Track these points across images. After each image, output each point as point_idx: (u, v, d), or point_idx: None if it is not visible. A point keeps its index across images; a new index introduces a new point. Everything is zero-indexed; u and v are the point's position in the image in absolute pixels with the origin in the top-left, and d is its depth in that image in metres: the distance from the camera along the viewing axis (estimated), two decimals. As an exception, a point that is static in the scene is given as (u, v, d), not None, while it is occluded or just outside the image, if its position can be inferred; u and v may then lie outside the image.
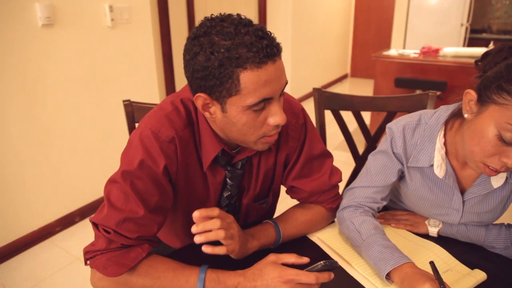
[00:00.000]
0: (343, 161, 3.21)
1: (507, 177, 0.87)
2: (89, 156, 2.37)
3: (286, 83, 0.76)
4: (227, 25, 0.68)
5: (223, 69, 0.68)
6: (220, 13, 0.73)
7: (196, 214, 0.73)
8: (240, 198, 0.97)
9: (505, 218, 1.00)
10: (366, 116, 3.58)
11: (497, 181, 0.87)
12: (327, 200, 1.00)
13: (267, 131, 0.78)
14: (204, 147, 0.84)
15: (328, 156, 1.01)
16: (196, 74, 0.71)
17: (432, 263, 0.75)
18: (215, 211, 0.75)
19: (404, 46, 5.14)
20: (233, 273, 0.75)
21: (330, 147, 3.52)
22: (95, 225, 0.78)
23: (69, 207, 2.33)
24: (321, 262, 0.69)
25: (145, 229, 0.78)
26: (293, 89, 5.02)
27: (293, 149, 0.95)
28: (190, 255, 0.89)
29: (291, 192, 1.02)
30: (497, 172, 0.77)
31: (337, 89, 6.44)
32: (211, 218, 0.74)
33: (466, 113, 0.80)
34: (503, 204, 0.92)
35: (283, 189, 1.06)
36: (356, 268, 0.86)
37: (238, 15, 0.72)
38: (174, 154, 0.81)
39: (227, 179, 0.90)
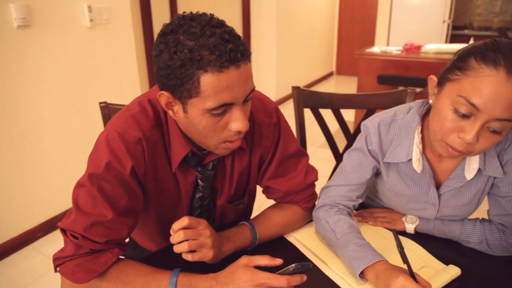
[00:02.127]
0: (328, 159, 3.22)
1: (480, 169, 0.88)
2: (70, 159, 2.33)
3: (253, 89, 0.75)
4: (195, 24, 0.67)
5: (184, 69, 0.66)
6: (192, 12, 0.71)
7: (172, 230, 0.75)
8: (214, 199, 0.96)
9: (480, 214, 1.01)
10: (351, 113, 3.61)
11: (470, 172, 0.88)
12: (303, 200, 0.99)
13: (228, 136, 0.76)
14: (173, 148, 0.83)
15: (303, 155, 1.00)
16: (160, 72, 0.70)
17: (394, 231, 0.77)
18: (185, 221, 0.75)
19: (388, 43, 5.19)
20: (205, 276, 0.74)
21: (314, 145, 3.54)
22: (63, 230, 0.76)
23: (50, 212, 2.29)
24: (293, 265, 0.69)
25: (115, 233, 0.77)
26: (279, 88, 5.03)
27: (267, 148, 0.94)
28: (165, 258, 0.88)
29: (266, 192, 1.02)
30: (458, 152, 0.77)
31: (323, 87, 6.47)
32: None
33: (431, 98, 0.84)
34: (478, 197, 0.93)
35: (260, 189, 1.05)
36: (332, 268, 0.86)
37: (211, 15, 0.71)
38: (141, 155, 0.79)
39: (198, 180, 0.89)
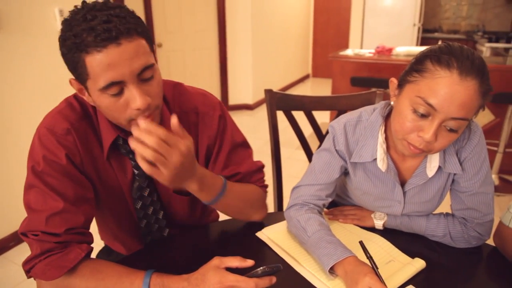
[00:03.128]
0: (305, 160, 3.27)
1: (440, 166, 0.92)
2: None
3: (147, 66, 0.74)
4: (81, 11, 0.70)
5: (71, 54, 0.70)
6: (85, 1, 0.74)
7: (139, 122, 0.70)
8: (155, 191, 0.96)
9: (445, 209, 1.05)
10: (326, 115, 3.67)
11: (431, 170, 0.93)
12: (258, 181, 1.03)
13: (133, 115, 0.76)
14: (103, 137, 0.86)
15: (249, 147, 1.05)
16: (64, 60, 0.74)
17: (361, 243, 0.80)
18: (162, 130, 0.69)
19: (361, 46, 5.30)
20: (178, 277, 0.76)
21: (291, 147, 3.58)
22: (23, 235, 0.78)
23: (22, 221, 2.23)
24: (261, 268, 0.71)
25: (71, 221, 0.79)
26: (255, 91, 5.06)
27: (212, 138, 0.96)
28: (138, 262, 0.88)
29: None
30: (419, 150, 0.81)
31: (299, 89, 6.54)
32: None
33: (392, 99, 0.88)
34: (440, 193, 0.98)
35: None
36: (303, 265, 0.89)
37: (104, 1, 0.73)
38: (73, 145, 0.82)
39: (133, 169, 0.91)
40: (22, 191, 2.26)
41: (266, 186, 1.06)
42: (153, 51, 0.78)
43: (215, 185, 0.88)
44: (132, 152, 0.88)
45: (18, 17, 2.03)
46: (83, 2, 0.73)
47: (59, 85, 2.29)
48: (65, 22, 0.71)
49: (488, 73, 0.76)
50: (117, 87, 0.72)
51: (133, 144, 0.68)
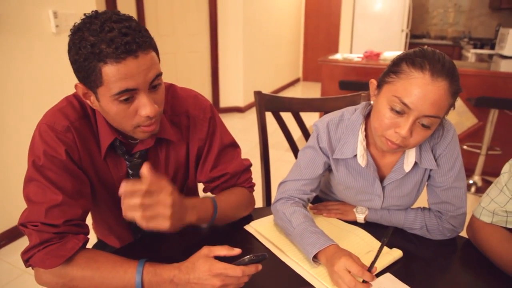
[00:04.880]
0: (294, 162, 3.33)
1: (416, 162, 0.98)
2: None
3: (157, 75, 0.80)
4: (96, 21, 0.73)
5: (87, 63, 0.73)
6: (97, 10, 0.78)
7: (121, 190, 0.70)
8: None
9: (422, 204, 1.12)
10: (315, 117, 3.74)
11: (408, 165, 0.99)
12: (246, 181, 1.08)
13: (140, 122, 0.81)
14: (101, 137, 0.90)
15: (238, 146, 1.10)
16: (72, 66, 0.78)
17: (383, 242, 0.78)
18: (143, 185, 0.71)
19: (351, 51, 5.39)
20: (169, 266, 0.80)
21: (281, 149, 3.64)
22: (23, 225, 0.82)
23: (14, 219, 2.23)
24: (248, 256, 0.75)
25: (70, 213, 0.83)
26: (246, 94, 5.12)
27: (203, 141, 1.01)
28: (131, 253, 0.92)
29: (213, 182, 1.05)
30: (396, 145, 0.88)
31: (290, 92, 6.62)
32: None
33: (372, 99, 0.95)
34: (417, 188, 1.04)
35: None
36: (288, 255, 0.94)
37: (114, 11, 0.78)
38: (73, 142, 0.86)
39: (128, 169, 0.95)
40: (12, 191, 2.29)
41: (253, 185, 1.11)
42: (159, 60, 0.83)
43: (207, 207, 0.94)
44: (127, 153, 0.93)
45: (12, 19, 2.06)
46: (95, 12, 0.77)
47: (53, 84, 2.32)
48: (78, 30, 0.74)
49: (458, 75, 0.83)
50: (129, 94, 0.77)
51: (124, 209, 0.70)
